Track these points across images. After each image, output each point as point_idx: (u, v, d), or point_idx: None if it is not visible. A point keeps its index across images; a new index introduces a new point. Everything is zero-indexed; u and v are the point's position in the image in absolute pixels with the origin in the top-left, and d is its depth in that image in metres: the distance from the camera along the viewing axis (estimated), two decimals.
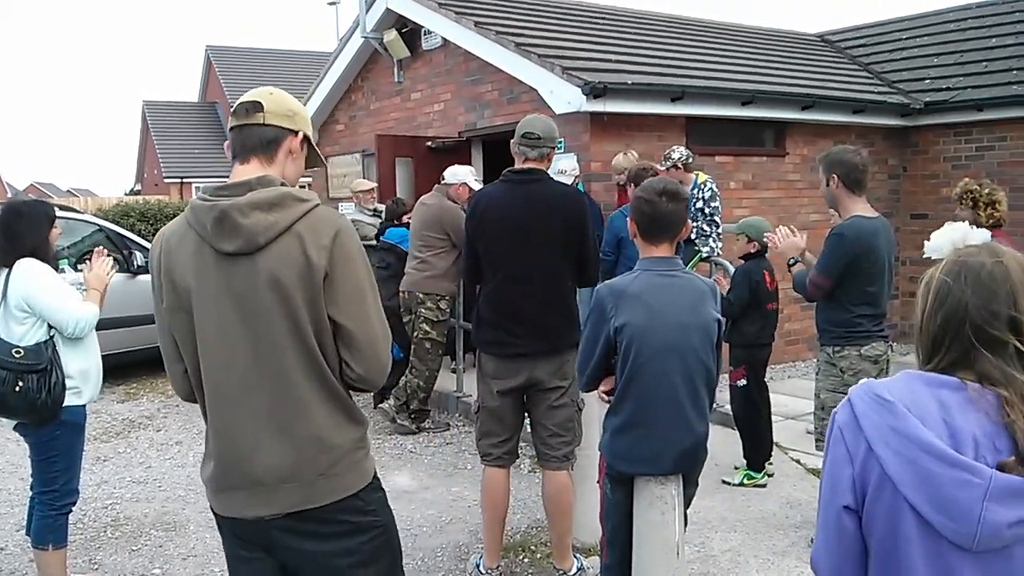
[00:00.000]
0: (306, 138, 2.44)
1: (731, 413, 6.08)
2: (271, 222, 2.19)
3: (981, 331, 1.57)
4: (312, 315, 2.23)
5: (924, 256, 1.85)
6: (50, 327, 4.03)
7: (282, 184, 2.29)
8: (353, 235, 2.32)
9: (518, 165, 4.29)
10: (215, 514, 2.44)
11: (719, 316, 3.27)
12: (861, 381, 1.68)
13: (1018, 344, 1.56)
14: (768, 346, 5.86)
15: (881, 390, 1.60)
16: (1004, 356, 1.56)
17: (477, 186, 7.41)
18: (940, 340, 1.63)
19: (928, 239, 1.84)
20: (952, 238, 1.76)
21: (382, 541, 2.44)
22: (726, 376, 8.27)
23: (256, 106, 2.33)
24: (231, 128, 2.38)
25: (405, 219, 7.90)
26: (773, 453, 6.03)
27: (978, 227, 5.69)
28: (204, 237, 2.23)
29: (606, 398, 3.42)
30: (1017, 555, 1.52)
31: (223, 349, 2.25)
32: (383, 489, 2.52)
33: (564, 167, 7.24)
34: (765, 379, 5.95)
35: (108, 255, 4.43)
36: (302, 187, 2.55)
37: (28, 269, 4.01)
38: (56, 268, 4.29)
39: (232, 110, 2.39)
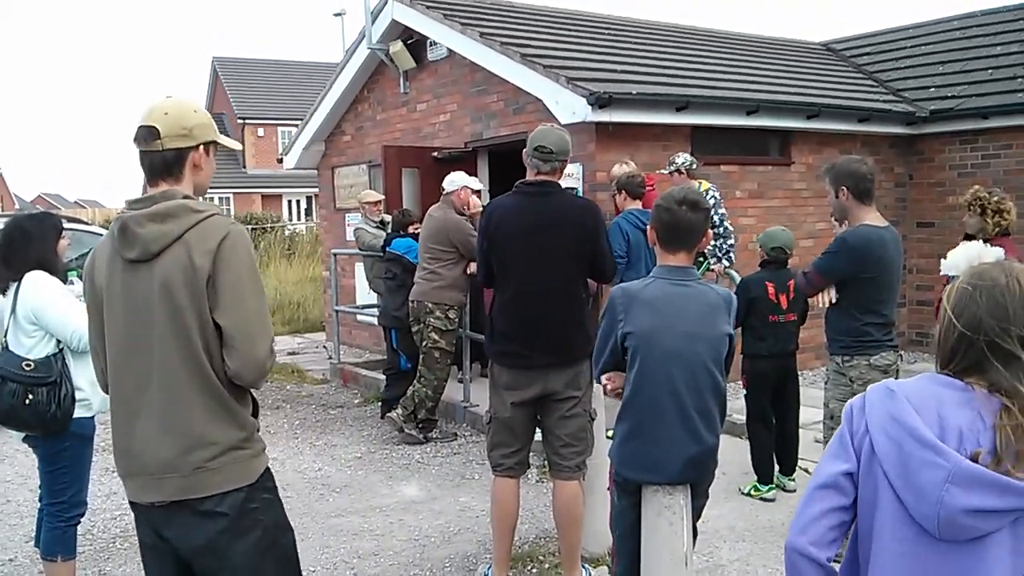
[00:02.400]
0: (208, 143, 2.61)
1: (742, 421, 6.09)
2: (163, 232, 2.41)
3: (994, 345, 1.69)
4: (197, 318, 2.42)
5: (941, 273, 1.97)
6: (59, 340, 4.04)
7: (186, 197, 2.50)
8: (241, 239, 2.48)
9: (531, 177, 4.30)
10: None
11: (731, 329, 3.26)
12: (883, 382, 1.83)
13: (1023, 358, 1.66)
14: (770, 358, 5.77)
15: (892, 384, 1.78)
16: (1014, 368, 1.67)
17: (475, 186, 7.46)
18: (956, 350, 1.75)
19: (944, 256, 1.97)
20: (968, 255, 1.89)
21: (266, 543, 2.58)
22: (733, 385, 8.30)
23: (152, 132, 2.50)
24: (138, 150, 2.56)
25: (412, 229, 7.92)
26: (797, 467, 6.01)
27: (984, 233, 5.73)
28: (115, 247, 2.48)
29: (610, 390, 3.42)
30: (991, 555, 1.63)
31: (123, 347, 2.50)
32: (275, 493, 2.66)
33: (570, 170, 7.26)
34: (765, 391, 5.87)
35: None
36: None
37: (35, 282, 4.02)
38: (65, 280, 4.31)
39: (134, 133, 2.54)
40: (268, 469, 2.64)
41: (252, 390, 2.62)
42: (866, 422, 1.76)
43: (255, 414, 2.64)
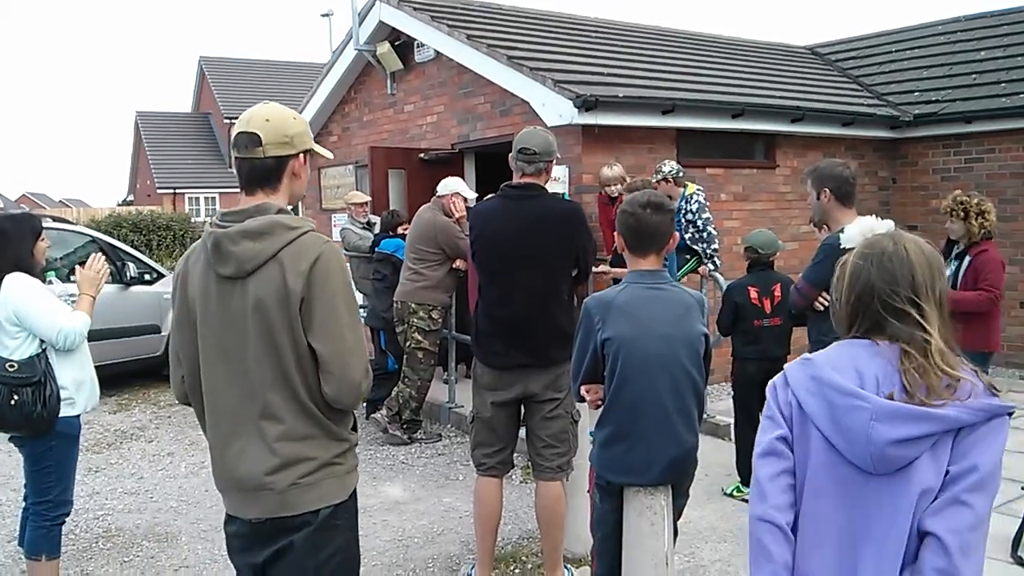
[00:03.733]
0: (307, 151, 2.56)
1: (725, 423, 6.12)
2: (258, 250, 2.38)
3: (886, 304, 1.94)
4: (290, 338, 2.39)
5: (841, 246, 2.22)
6: (43, 340, 4.04)
7: (280, 211, 2.44)
8: (333, 259, 2.44)
9: (516, 179, 4.32)
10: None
11: (706, 329, 3.30)
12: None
13: (915, 315, 1.91)
14: (758, 361, 5.79)
15: (806, 355, 2.01)
16: (907, 322, 1.92)
17: (470, 195, 7.47)
18: (856, 312, 2.00)
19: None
20: (862, 229, 2.15)
21: (340, 559, 2.55)
22: (716, 387, 8.35)
23: (254, 139, 2.44)
24: (235, 156, 2.50)
25: (401, 230, 7.94)
26: None
27: (969, 237, 5.77)
28: (209, 261, 2.42)
29: (590, 401, 3.45)
30: (916, 478, 1.82)
31: (218, 362, 2.46)
32: (355, 512, 2.64)
33: (556, 174, 7.28)
34: (752, 394, 5.90)
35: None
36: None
37: (16, 284, 4.02)
38: (43, 280, 4.29)
39: (232, 140, 2.50)
40: (356, 488, 2.62)
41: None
42: (791, 391, 1.97)
43: (354, 428, 2.61)
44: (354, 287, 9.31)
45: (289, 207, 2.56)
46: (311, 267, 2.37)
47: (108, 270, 4.44)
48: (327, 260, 2.41)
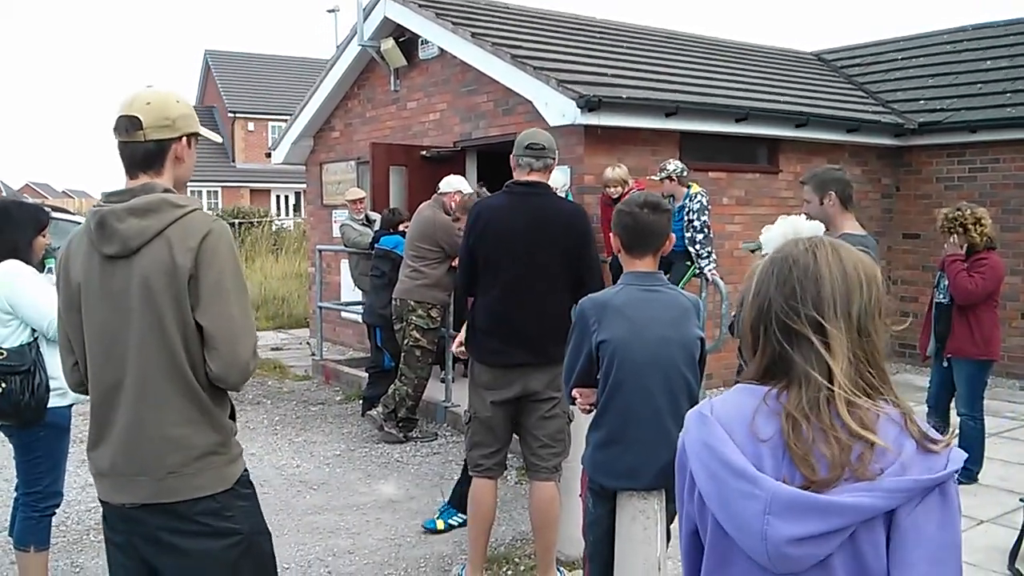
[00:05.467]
0: (191, 134, 2.53)
1: None
2: (144, 227, 2.33)
3: (783, 325, 1.51)
4: (177, 317, 2.35)
5: (762, 253, 1.76)
6: (34, 329, 4.02)
7: (166, 191, 2.41)
8: (223, 237, 2.40)
9: (521, 177, 4.29)
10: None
11: (701, 332, 3.27)
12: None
13: (815, 342, 1.48)
14: None
15: (704, 406, 1.57)
16: (806, 351, 1.49)
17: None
18: (756, 336, 1.57)
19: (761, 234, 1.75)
20: (784, 231, 1.70)
21: (241, 550, 2.49)
22: (717, 391, 8.31)
23: (135, 123, 2.41)
24: (117, 141, 2.47)
25: (401, 227, 7.91)
26: None
27: (972, 248, 5.67)
28: (92, 241, 2.38)
29: (580, 403, 3.42)
30: None
31: (101, 345, 2.42)
32: (253, 499, 2.58)
33: (555, 183, 7.25)
34: None
35: None
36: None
37: (9, 270, 3.99)
38: (42, 269, 4.27)
39: (114, 123, 2.45)
40: (245, 472, 2.56)
41: (230, 393, 2.55)
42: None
43: (232, 417, 2.57)
44: (353, 283, 9.36)
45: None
46: (200, 244, 2.33)
47: None
48: (216, 237, 2.37)
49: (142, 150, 2.43)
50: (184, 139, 2.50)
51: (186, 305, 2.34)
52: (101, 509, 2.59)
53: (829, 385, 1.45)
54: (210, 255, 2.34)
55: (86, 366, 2.49)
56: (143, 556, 2.49)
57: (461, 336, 4.53)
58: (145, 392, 2.37)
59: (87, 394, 2.54)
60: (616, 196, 7.50)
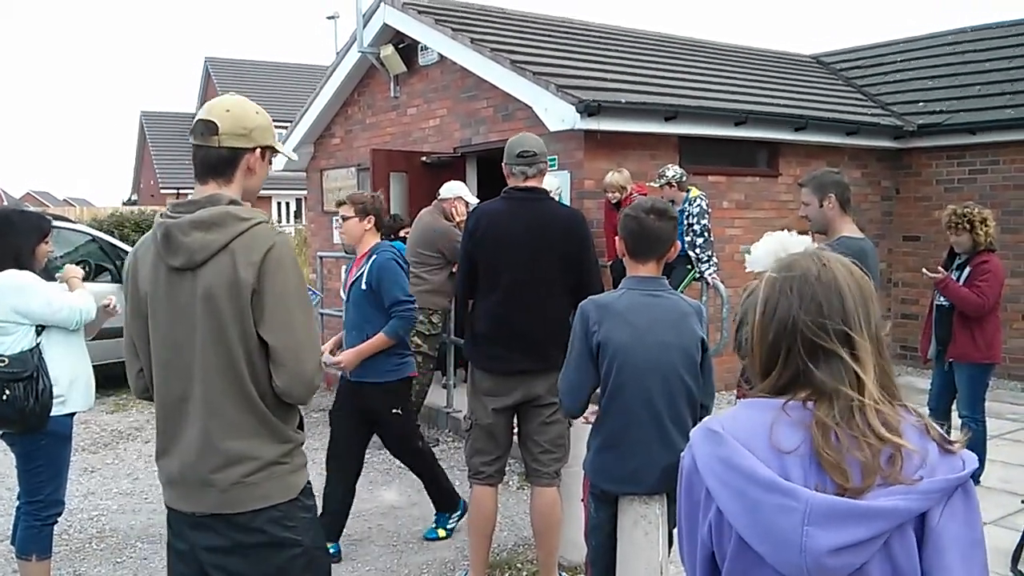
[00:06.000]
0: (266, 147, 2.52)
1: None
2: (208, 241, 2.33)
3: (812, 345, 1.50)
4: (240, 331, 2.35)
5: (747, 270, 1.74)
6: (37, 334, 4.03)
7: (232, 202, 2.40)
8: (287, 250, 2.40)
9: (518, 183, 4.29)
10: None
11: (703, 336, 3.27)
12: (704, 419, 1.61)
13: (846, 354, 1.48)
14: None
15: (713, 423, 1.53)
16: (835, 367, 1.49)
17: (472, 201, 7.44)
18: (775, 354, 1.54)
19: (750, 252, 1.69)
20: (772, 248, 1.67)
21: (303, 562, 2.47)
22: (717, 396, 8.29)
23: (211, 127, 2.41)
24: (191, 144, 2.47)
25: (403, 233, 7.92)
26: None
27: (978, 247, 5.64)
28: (159, 252, 2.40)
29: (588, 420, 3.43)
30: None
31: (166, 355, 2.42)
32: (314, 511, 2.57)
33: (548, 186, 7.26)
34: None
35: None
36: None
37: (10, 279, 4.01)
38: (51, 278, 4.33)
39: (192, 126, 2.46)
40: (308, 484, 2.55)
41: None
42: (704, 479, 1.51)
43: (300, 427, 2.56)
44: None
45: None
46: (263, 258, 2.33)
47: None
48: (279, 251, 2.37)
49: (215, 155, 2.44)
50: (258, 151, 2.50)
51: (249, 319, 2.34)
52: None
53: (860, 396, 1.45)
54: (273, 269, 2.34)
55: (151, 373, 2.49)
56: (203, 565, 2.48)
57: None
58: (210, 404, 2.37)
59: (151, 401, 2.54)
60: (616, 201, 7.51)
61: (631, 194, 7.45)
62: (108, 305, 4.37)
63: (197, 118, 2.43)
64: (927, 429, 1.47)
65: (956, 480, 1.41)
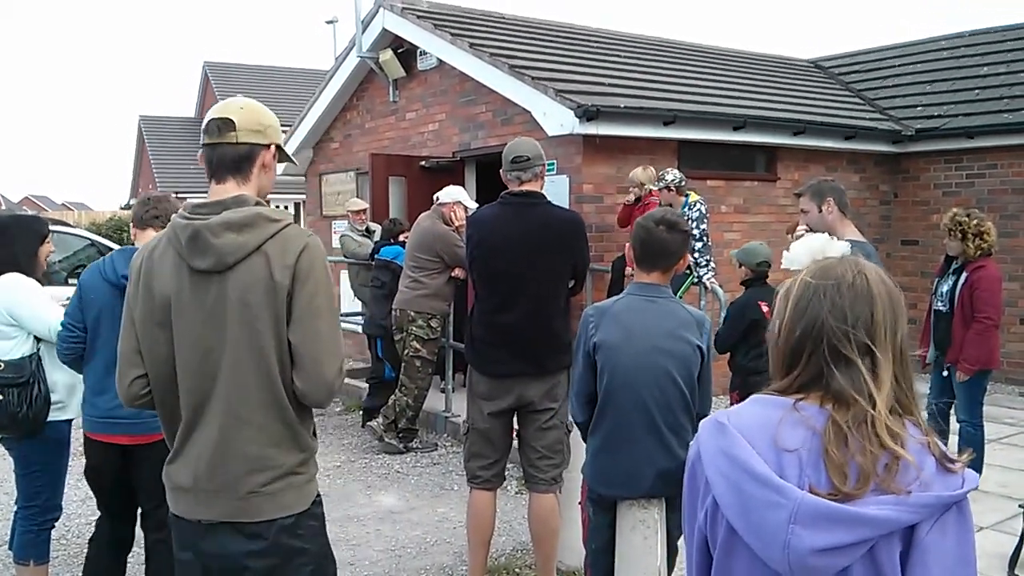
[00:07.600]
0: (278, 147, 2.50)
1: None
2: (241, 242, 2.28)
3: (834, 350, 1.52)
4: (275, 335, 2.31)
5: (782, 267, 1.78)
6: (37, 341, 4.03)
7: (257, 203, 2.37)
8: (318, 252, 2.38)
9: (514, 188, 4.30)
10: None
11: (702, 346, 3.25)
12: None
13: (864, 366, 1.51)
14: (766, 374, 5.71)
15: (721, 415, 1.58)
16: (855, 374, 1.51)
17: (471, 205, 7.45)
18: (798, 354, 1.57)
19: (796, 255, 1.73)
20: (811, 249, 1.71)
21: (310, 570, 2.45)
22: (713, 400, 8.29)
23: (228, 124, 2.38)
24: (204, 144, 2.43)
25: (402, 238, 7.92)
26: None
27: (966, 256, 5.69)
28: (181, 254, 2.31)
29: None
30: None
31: (194, 360, 2.34)
32: (322, 519, 2.54)
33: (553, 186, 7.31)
34: None
35: None
36: (284, 206, 2.59)
37: (11, 283, 4.01)
38: (44, 284, 4.30)
39: (204, 125, 2.43)
40: (319, 494, 2.51)
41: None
42: (704, 467, 1.55)
43: (314, 434, 2.52)
44: (353, 294, 9.36)
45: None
46: (297, 259, 2.30)
47: None
48: (312, 253, 2.35)
49: (233, 152, 2.39)
50: (273, 148, 2.47)
51: (283, 323, 2.30)
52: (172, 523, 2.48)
53: (871, 409, 1.47)
54: (306, 271, 2.32)
55: (161, 382, 2.40)
56: (210, 574, 2.43)
57: None
58: (235, 409, 2.32)
59: (152, 408, 2.47)
60: (636, 197, 7.61)
61: (650, 195, 7.51)
62: None
63: (210, 118, 2.40)
64: (929, 446, 1.48)
65: (949, 498, 1.42)
